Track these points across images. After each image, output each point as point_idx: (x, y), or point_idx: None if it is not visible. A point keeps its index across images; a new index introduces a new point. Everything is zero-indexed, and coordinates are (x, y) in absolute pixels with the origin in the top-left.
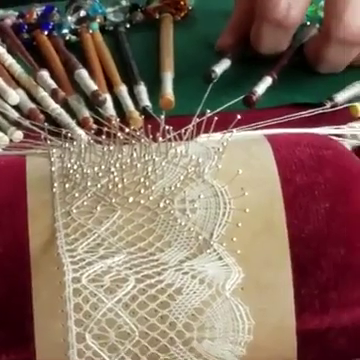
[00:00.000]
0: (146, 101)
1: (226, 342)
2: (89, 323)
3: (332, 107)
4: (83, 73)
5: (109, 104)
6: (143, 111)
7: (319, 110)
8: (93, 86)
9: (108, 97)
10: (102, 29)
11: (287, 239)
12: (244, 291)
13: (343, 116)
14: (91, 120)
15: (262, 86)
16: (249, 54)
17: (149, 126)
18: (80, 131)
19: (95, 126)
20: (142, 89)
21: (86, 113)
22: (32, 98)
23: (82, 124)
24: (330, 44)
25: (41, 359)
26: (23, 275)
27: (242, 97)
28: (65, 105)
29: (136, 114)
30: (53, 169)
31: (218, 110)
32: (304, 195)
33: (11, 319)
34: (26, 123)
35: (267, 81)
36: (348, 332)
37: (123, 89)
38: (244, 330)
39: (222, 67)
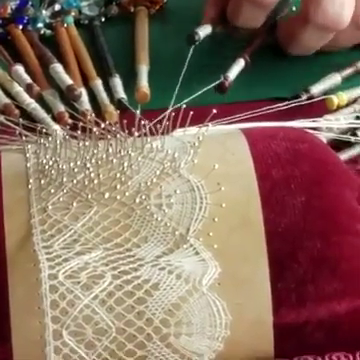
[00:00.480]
0: (121, 93)
1: (203, 337)
2: (66, 320)
3: (308, 99)
4: (58, 67)
5: (84, 98)
6: (118, 103)
7: (295, 102)
8: (68, 80)
9: (83, 91)
10: (77, 23)
11: (264, 234)
12: (221, 286)
13: (319, 108)
14: (66, 115)
15: (235, 69)
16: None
17: (125, 121)
18: (55, 126)
19: (71, 121)
20: (117, 81)
21: (61, 108)
22: (7, 93)
23: (57, 119)
24: (306, 28)
25: (18, 358)
26: None
27: (215, 84)
28: (40, 100)
29: (111, 108)
30: (28, 165)
31: (190, 99)
32: (280, 189)
33: None
34: (1, 118)
35: (240, 63)
36: (325, 326)
37: (98, 83)
38: (221, 325)
39: (205, 31)
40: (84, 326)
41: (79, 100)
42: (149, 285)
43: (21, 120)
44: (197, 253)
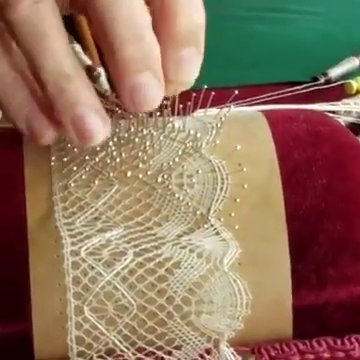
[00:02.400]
0: None
1: (224, 316)
2: (88, 296)
3: (326, 82)
4: (76, 48)
5: (103, 78)
6: None
7: (313, 86)
8: (87, 61)
9: (102, 71)
10: None
11: (284, 215)
12: (241, 266)
13: (336, 92)
14: None
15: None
16: None
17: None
18: None
19: None
20: None
21: None
22: None
23: None
24: None
25: (38, 332)
26: (20, 248)
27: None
28: None
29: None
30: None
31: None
32: (301, 171)
33: (8, 292)
34: None
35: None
36: (345, 307)
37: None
38: (242, 305)
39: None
40: (105, 302)
41: (98, 80)
42: (170, 263)
43: None
44: (218, 233)
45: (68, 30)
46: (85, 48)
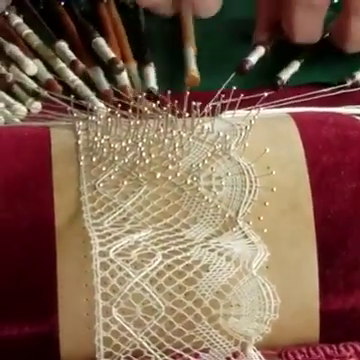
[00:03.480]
0: (152, 82)
1: (252, 320)
2: (116, 297)
3: (352, 86)
4: (100, 41)
5: (124, 74)
6: (148, 92)
7: (341, 88)
8: (111, 53)
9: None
10: (119, 5)
11: (313, 219)
12: (270, 270)
13: None
14: (112, 93)
15: (255, 56)
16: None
17: (176, 101)
18: (100, 104)
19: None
20: (151, 70)
21: (106, 86)
22: (50, 69)
23: (103, 97)
24: (351, 19)
25: (64, 333)
26: (48, 249)
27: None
28: (82, 77)
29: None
30: (79, 142)
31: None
32: (330, 175)
33: (35, 292)
34: (46, 93)
35: (260, 51)
36: None
37: (133, 66)
38: (270, 309)
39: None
40: (134, 304)
41: (121, 73)
42: (199, 266)
43: (71, 97)
44: (246, 236)
45: (91, 24)
46: (108, 42)
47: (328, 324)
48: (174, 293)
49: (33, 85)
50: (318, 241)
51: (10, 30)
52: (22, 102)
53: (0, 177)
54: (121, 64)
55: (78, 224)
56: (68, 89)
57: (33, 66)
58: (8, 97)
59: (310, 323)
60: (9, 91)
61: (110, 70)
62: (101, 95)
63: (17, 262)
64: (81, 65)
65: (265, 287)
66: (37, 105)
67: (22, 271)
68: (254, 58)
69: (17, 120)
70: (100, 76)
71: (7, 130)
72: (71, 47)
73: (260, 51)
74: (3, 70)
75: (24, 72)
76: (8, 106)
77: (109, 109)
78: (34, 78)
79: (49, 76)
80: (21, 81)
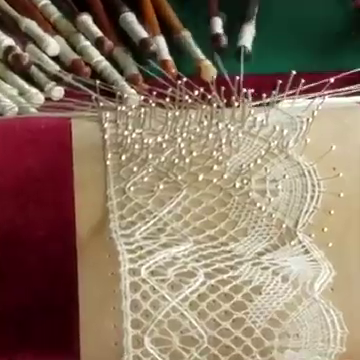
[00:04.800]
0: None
1: (313, 353)
2: (149, 324)
3: None
4: (130, 16)
5: (163, 46)
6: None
7: None
8: (142, 33)
9: (162, 40)
10: None
11: None
12: (335, 292)
13: None
14: (141, 78)
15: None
16: None
17: (222, 88)
18: (131, 90)
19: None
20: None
21: (135, 69)
22: (71, 47)
23: (131, 82)
24: None
25: None
26: (67, 263)
27: None
28: (109, 59)
29: (207, 63)
30: (106, 136)
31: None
32: None
33: (52, 315)
34: (69, 78)
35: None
36: None
37: (186, 35)
38: (336, 340)
39: None
40: (170, 333)
41: (154, 57)
42: (249, 288)
43: (97, 82)
44: (307, 251)
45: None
46: (141, 16)
47: None
48: (219, 320)
49: (55, 67)
50: None
51: (25, 1)
52: (40, 88)
53: (11, 178)
54: (154, 46)
55: (104, 235)
56: (92, 72)
57: (55, 44)
58: (23, 82)
59: None
60: (25, 75)
61: (141, 53)
62: (130, 80)
63: (32, 278)
64: (109, 42)
65: (329, 314)
66: (58, 91)
67: (38, 289)
68: None
69: (33, 110)
70: (127, 57)
71: (21, 122)
72: (96, 22)
73: None
74: (18, 50)
75: (44, 52)
76: (22, 93)
77: (142, 97)
78: (55, 59)
79: (75, 56)
80: (39, 63)
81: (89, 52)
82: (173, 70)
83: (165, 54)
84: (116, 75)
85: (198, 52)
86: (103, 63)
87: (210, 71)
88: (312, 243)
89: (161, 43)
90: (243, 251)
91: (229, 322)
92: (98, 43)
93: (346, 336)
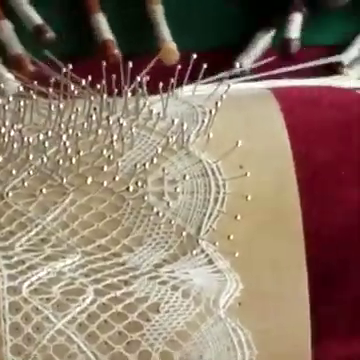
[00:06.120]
0: (107, 33)
1: None
2: (31, 350)
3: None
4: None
5: (103, 24)
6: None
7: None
8: (36, 19)
9: (102, 17)
10: None
11: (303, 237)
12: (243, 308)
13: None
14: (27, 60)
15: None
16: None
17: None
18: (9, 75)
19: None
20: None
21: (19, 48)
22: None
23: (13, 65)
24: None
25: None
26: None
27: None
28: None
29: (171, 46)
30: None
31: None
32: (327, 176)
33: None
34: None
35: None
36: None
37: (158, 9)
38: None
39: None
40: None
41: (52, 45)
42: (146, 305)
43: None
44: (211, 262)
45: None
46: None
47: None
48: (111, 343)
49: None
50: (310, 266)
51: None
52: None
53: None
54: (51, 33)
55: None
56: None
57: None
58: None
59: None
60: None
61: (36, 40)
62: (10, 62)
63: None
64: None
65: (236, 333)
66: None
67: None
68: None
69: None
70: (11, 33)
71: None
72: None
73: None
74: None
75: None
76: None
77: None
78: None
79: None
80: None
81: None
82: (115, 51)
83: (105, 34)
84: None
85: (165, 32)
86: None
87: (171, 55)
88: (216, 252)
89: (100, 22)
90: (138, 263)
91: (123, 345)
92: None
93: (255, 357)
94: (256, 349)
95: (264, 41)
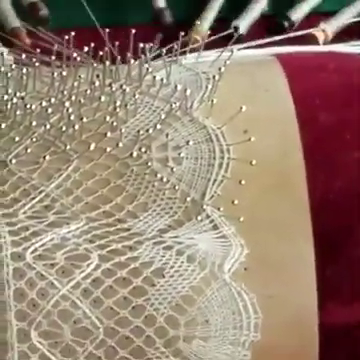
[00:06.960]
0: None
1: (224, 343)
2: (36, 316)
3: None
4: None
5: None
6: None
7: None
8: None
9: None
10: None
11: (308, 201)
12: (249, 273)
13: None
14: (24, 32)
15: None
16: None
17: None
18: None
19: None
20: None
21: (16, 22)
22: None
23: (13, 36)
24: None
25: None
26: None
27: None
28: None
29: None
30: None
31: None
32: (331, 140)
33: None
34: None
35: None
36: None
37: None
38: (249, 326)
39: None
40: (61, 325)
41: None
42: (150, 270)
43: None
44: (216, 227)
45: None
46: None
47: (330, 343)
48: (116, 308)
49: None
50: (315, 230)
51: None
52: None
53: None
54: (45, 11)
55: None
56: None
57: None
58: None
59: (306, 342)
60: None
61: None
62: (10, 33)
63: None
64: None
65: (242, 297)
66: None
67: None
68: None
69: None
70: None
71: None
72: None
73: None
74: None
75: None
76: None
77: (23, 55)
78: None
79: None
80: None
81: None
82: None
83: None
84: None
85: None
86: None
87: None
88: (221, 217)
89: None
90: (143, 229)
91: (128, 310)
92: None
93: (261, 321)
94: (261, 313)
95: (260, 4)
